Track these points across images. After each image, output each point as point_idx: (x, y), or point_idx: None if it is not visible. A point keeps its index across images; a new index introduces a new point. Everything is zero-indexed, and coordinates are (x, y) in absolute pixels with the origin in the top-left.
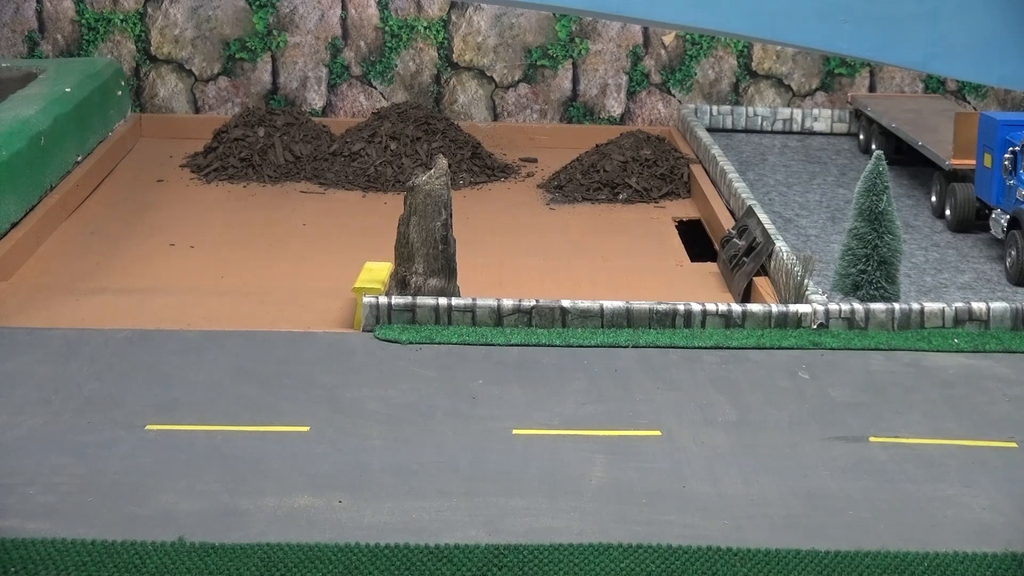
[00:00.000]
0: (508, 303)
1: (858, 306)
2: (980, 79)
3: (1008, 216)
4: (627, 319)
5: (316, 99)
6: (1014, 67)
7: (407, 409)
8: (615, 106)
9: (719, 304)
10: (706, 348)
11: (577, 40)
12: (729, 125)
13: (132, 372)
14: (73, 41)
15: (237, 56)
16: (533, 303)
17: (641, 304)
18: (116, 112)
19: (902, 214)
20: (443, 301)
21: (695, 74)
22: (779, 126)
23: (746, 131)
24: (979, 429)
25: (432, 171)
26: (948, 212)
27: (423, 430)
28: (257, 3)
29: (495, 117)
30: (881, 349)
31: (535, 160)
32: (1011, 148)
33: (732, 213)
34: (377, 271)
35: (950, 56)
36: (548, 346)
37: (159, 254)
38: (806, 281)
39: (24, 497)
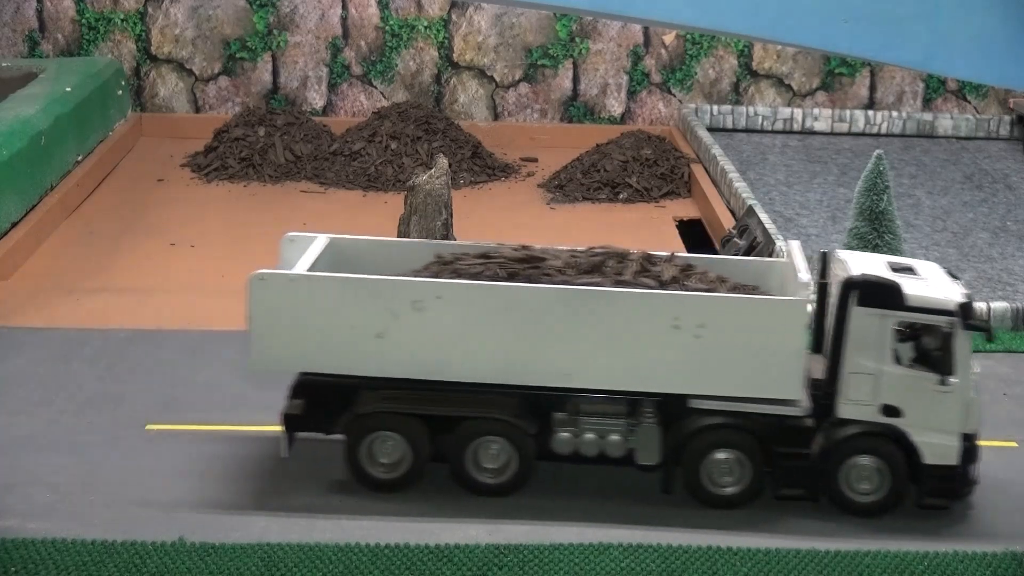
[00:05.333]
0: None
1: None
2: (980, 79)
3: None
4: None
5: (316, 99)
6: (1014, 67)
7: None
8: (615, 106)
9: None
10: None
11: (577, 40)
12: (729, 125)
13: (132, 372)
14: (73, 40)
15: (237, 56)
16: None
17: None
18: (116, 111)
19: (902, 213)
20: None
21: (695, 74)
22: (779, 126)
23: (746, 131)
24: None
25: (432, 170)
26: None
27: None
28: (257, 2)
29: (495, 117)
30: None
31: (535, 160)
32: None
33: (732, 213)
34: None
35: (950, 56)
36: None
37: (159, 254)
38: None
39: (24, 497)
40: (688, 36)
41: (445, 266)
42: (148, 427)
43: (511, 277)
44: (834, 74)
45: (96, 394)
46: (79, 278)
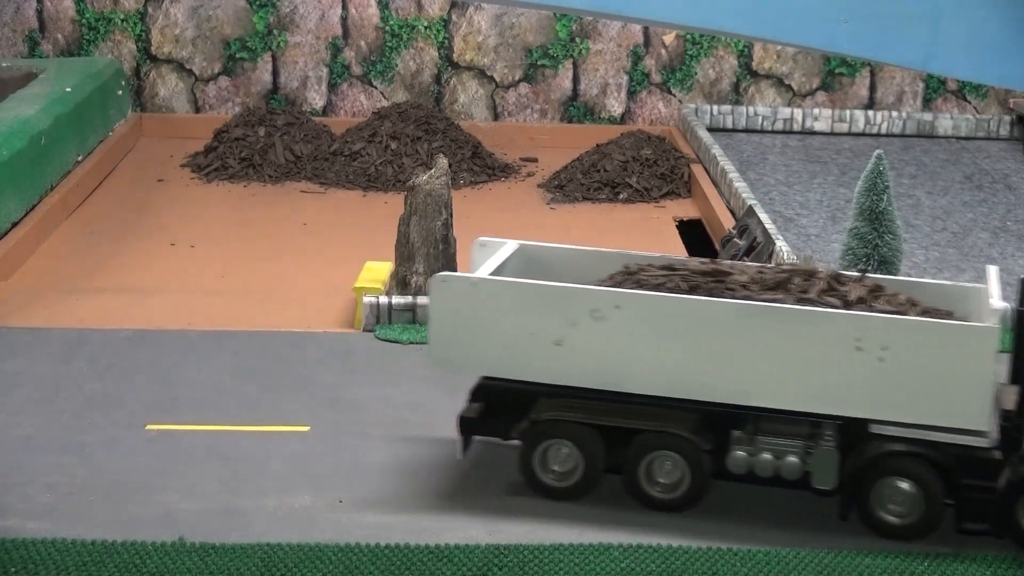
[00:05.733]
0: None
1: None
2: (980, 79)
3: None
4: None
5: (316, 99)
6: (1014, 67)
7: (407, 409)
8: (615, 106)
9: None
10: None
11: (577, 40)
12: (729, 125)
13: (132, 372)
14: (73, 41)
15: (237, 56)
16: None
17: None
18: (116, 112)
19: (902, 213)
20: None
21: (695, 74)
22: (779, 126)
23: (746, 131)
24: None
25: (432, 171)
26: None
27: (423, 430)
28: (257, 3)
29: (495, 117)
30: None
31: (535, 160)
32: None
33: (732, 213)
34: (377, 271)
35: (950, 56)
36: None
37: (159, 254)
38: None
39: (24, 497)
40: (688, 36)
41: (629, 276)
42: (148, 427)
43: (692, 290)
44: (834, 74)
45: (96, 394)
46: (79, 278)
